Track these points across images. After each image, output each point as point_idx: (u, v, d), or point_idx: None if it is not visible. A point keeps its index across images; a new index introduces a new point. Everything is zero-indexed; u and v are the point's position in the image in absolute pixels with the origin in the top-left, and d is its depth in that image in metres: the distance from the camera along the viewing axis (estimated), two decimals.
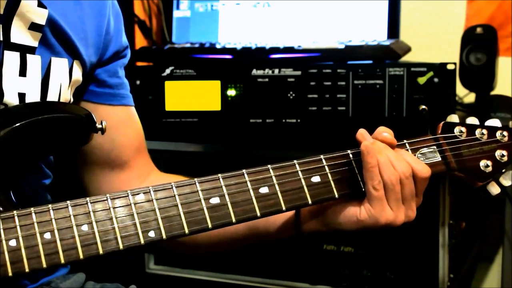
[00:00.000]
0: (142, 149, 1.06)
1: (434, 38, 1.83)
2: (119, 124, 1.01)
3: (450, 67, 1.26)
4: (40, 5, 0.85)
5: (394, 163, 0.85)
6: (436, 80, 1.26)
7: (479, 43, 1.46)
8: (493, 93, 1.52)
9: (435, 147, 0.92)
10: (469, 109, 1.55)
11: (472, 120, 0.95)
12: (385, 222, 0.85)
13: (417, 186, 0.87)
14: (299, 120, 1.33)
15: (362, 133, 0.88)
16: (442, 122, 0.94)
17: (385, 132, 0.89)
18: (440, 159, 0.92)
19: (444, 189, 1.32)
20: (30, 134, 0.81)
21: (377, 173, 0.85)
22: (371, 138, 0.88)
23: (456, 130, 0.94)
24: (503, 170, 0.94)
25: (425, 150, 0.92)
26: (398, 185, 0.85)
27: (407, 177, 0.86)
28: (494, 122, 0.96)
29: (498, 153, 0.93)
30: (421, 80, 1.27)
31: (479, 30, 1.48)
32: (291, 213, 0.94)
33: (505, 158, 0.93)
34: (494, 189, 0.94)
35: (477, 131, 0.94)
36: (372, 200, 0.85)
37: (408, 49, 1.42)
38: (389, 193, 0.85)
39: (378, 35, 1.47)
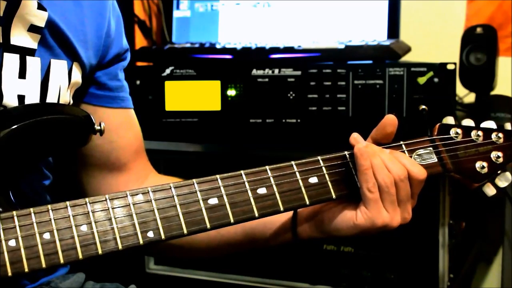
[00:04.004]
0: (140, 151, 1.06)
1: (434, 38, 1.83)
2: (119, 126, 1.01)
3: (450, 67, 1.26)
4: (40, 7, 0.86)
5: (388, 165, 0.86)
6: (436, 80, 1.26)
7: (479, 43, 1.46)
8: (493, 93, 1.52)
9: (431, 148, 0.92)
10: (469, 109, 1.55)
11: (468, 122, 0.96)
12: (382, 224, 0.86)
13: (413, 188, 0.87)
14: (299, 120, 1.33)
15: (355, 137, 0.89)
16: (438, 124, 0.94)
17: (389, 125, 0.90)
18: (436, 160, 0.92)
19: (444, 189, 1.32)
20: (29, 136, 0.81)
21: (371, 175, 0.85)
22: (364, 142, 0.88)
23: (452, 131, 0.94)
24: (499, 172, 0.94)
25: (421, 151, 0.92)
26: (393, 187, 0.85)
27: (402, 179, 0.86)
28: (490, 123, 0.96)
29: (493, 154, 0.94)
30: (421, 80, 1.27)
31: (479, 30, 1.48)
32: (288, 219, 0.94)
33: (501, 160, 0.93)
34: (490, 190, 0.94)
35: (473, 133, 0.94)
36: (367, 203, 0.86)
37: (408, 49, 1.42)
38: (384, 195, 0.85)
39: (378, 35, 1.47)
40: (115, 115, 1.00)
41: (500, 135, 0.95)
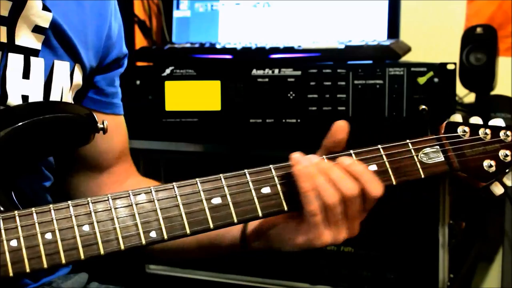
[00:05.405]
0: (123, 155, 1.07)
1: (434, 38, 1.83)
2: (109, 131, 1.00)
3: (450, 67, 1.26)
4: (45, 8, 0.86)
5: (338, 183, 0.81)
6: (436, 80, 1.26)
7: (479, 43, 1.46)
8: (493, 93, 1.52)
9: (438, 147, 0.90)
10: (469, 109, 1.55)
11: (475, 120, 0.94)
12: (321, 245, 0.82)
13: (366, 204, 0.83)
14: (299, 120, 1.32)
15: (294, 157, 0.83)
16: (446, 122, 0.93)
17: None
18: (443, 159, 0.90)
19: (444, 189, 1.32)
20: (32, 134, 0.81)
21: (312, 198, 0.80)
22: (307, 161, 0.82)
23: (459, 129, 0.92)
24: (507, 170, 0.93)
25: (428, 150, 0.90)
26: (338, 206, 0.81)
27: (354, 196, 0.81)
28: (498, 121, 0.95)
29: (501, 153, 0.92)
30: (421, 80, 1.27)
31: (479, 30, 1.48)
32: (239, 229, 0.92)
33: (509, 158, 0.92)
34: (498, 189, 0.93)
35: (481, 131, 0.93)
36: (308, 225, 0.82)
37: (408, 49, 1.42)
38: (328, 214, 0.81)
39: (378, 35, 1.47)
40: (107, 121, 1.00)
41: (509, 133, 0.93)
